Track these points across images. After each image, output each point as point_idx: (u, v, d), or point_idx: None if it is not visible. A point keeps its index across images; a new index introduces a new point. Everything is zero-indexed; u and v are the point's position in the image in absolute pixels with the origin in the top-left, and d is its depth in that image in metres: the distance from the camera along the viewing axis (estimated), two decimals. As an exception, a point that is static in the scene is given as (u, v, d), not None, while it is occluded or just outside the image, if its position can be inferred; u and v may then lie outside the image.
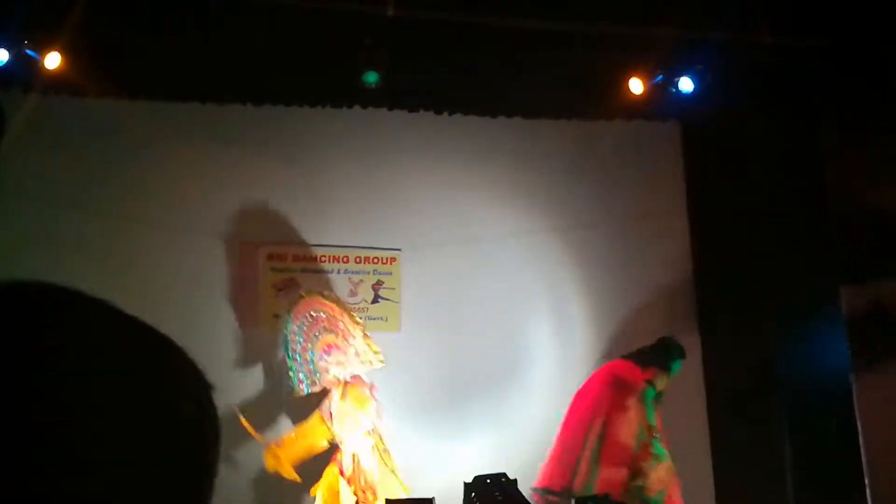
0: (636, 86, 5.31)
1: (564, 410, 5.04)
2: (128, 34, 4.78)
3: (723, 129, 5.58)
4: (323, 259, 5.54)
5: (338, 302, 5.14)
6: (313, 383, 4.97)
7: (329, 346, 4.98)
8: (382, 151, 5.61)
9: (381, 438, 4.92)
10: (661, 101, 5.47)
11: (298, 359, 4.99)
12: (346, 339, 5.01)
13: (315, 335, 5.01)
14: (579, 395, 5.05)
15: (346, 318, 5.05)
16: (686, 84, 5.30)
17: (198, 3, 4.57)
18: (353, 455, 4.82)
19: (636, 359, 5.01)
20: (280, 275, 5.48)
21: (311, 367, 4.97)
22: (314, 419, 4.94)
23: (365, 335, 5.03)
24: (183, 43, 4.89)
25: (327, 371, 4.94)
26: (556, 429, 5.01)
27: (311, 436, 4.92)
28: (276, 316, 5.27)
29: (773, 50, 4.88)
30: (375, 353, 5.01)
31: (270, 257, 5.50)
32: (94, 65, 4.90)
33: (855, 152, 4.86)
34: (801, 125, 5.19)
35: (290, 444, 4.90)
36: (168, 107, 5.38)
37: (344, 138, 5.59)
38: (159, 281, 5.21)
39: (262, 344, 5.34)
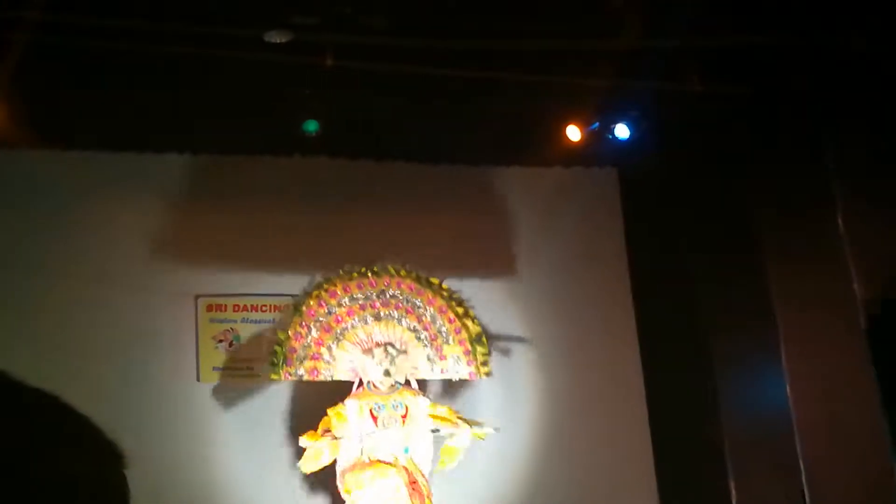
0: (574, 133, 5.41)
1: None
2: (62, 84, 4.72)
3: (659, 174, 5.71)
4: (264, 308, 5.45)
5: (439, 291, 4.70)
6: (313, 370, 4.59)
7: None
8: (323, 199, 5.60)
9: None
10: (599, 147, 5.59)
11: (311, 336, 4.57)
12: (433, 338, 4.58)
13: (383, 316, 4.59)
14: None
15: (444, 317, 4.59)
16: (622, 131, 5.42)
17: (134, 54, 4.53)
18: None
19: None
20: (220, 326, 5.38)
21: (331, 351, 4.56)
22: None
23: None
24: (119, 93, 4.84)
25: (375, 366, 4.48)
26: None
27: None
28: (215, 369, 5.17)
29: (702, 98, 5.03)
30: (484, 360, 4.60)
31: (209, 308, 5.40)
32: (28, 115, 4.81)
33: (781, 194, 5.02)
34: (732, 169, 5.34)
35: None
36: (103, 157, 5.30)
37: (285, 186, 5.56)
38: (94, 336, 5.06)
39: (203, 399, 5.21)
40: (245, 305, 5.43)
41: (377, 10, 4.46)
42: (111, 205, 5.31)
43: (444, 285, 4.80)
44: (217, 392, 5.24)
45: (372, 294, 4.68)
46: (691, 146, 5.46)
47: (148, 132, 5.22)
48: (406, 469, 4.40)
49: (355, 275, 4.72)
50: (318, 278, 4.94)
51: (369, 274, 4.71)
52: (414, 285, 4.71)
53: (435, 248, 5.67)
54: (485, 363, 4.69)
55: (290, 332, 4.65)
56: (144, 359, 5.16)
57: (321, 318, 4.66)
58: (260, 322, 5.40)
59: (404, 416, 4.46)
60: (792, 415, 4.80)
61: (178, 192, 5.45)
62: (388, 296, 4.68)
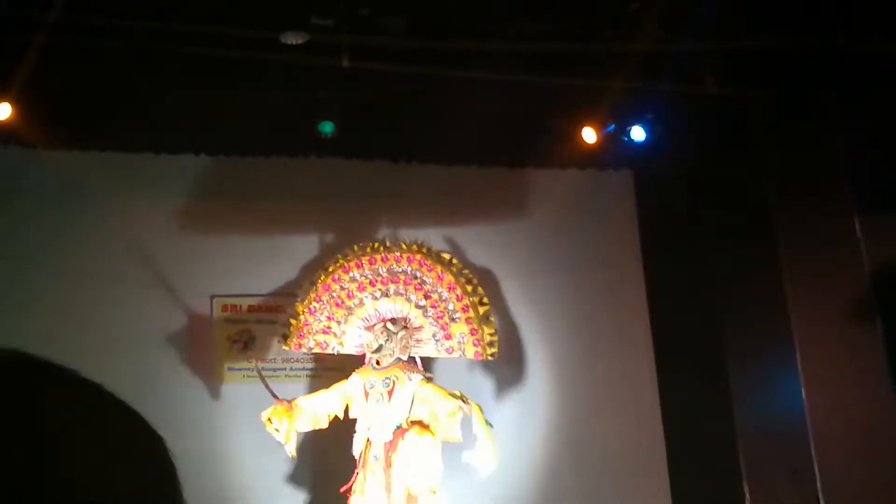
0: (589, 135, 5.41)
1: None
2: (79, 85, 4.75)
3: (675, 177, 5.69)
4: (279, 309, 5.46)
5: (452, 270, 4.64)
6: (322, 344, 4.64)
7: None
8: (339, 200, 5.61)
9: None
10: (614, 150, 5.58)
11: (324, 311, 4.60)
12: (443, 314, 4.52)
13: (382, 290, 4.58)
14: None
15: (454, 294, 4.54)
16: (638, 133, 5.41)
17: (150, 55, 4.56)
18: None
19: None
20: (235, 326, 5.40)
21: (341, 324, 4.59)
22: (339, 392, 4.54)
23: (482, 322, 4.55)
24: (134, 94, 4.87)
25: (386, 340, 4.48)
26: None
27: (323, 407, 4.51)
28: (230, 369, 5.19)
29: (718, 100, 5.02)
30: (491, 340, 4.52)
31: (225, 308, 5.42)
32: (45, 116, 4.84)
33: (797, 197, 5.00)
34: (748, 172, 5.32)
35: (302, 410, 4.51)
36: (120, 158, 5.33)
37: (300, 187, 5.58)
38: (111, 335, 5.09)
39: (218, 398, 5.23)
40: (260, 306, 5.45)
41: (394, 12, 4.47)
42: (128, 206, 5.33)
43: (455, 261, 4.80)
44: (232, 392, 5.26)
45: (382, 269, 4.68)
46: (707, 149, 5.44)
47: (164, 133, 5.25)
48: (389, 443, 4.37)
49: (368, 250, 4.75)
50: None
51: (382, 249, 4.72)
52: (424, 260, 4.68)
53: (450, 249, 5.67)
54: (491, 343, 4.62)
55: (305, 305, 4.72)
56: (160, 359, 5.19)
57: (334, 294, 4.70)
58: (275, 323, 5.41)
59: (391, 392, 4.44)
60: (807, 418, 4.77)
61: (194, 194, 5.47)
62: (397, 271, 4.67)
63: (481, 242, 5.72)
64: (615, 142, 5.48)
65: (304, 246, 5.53)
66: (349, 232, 5.59)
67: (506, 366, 5.60)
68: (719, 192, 5.48)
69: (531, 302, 5.73)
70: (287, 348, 4.80)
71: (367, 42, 4.53)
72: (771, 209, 5.14)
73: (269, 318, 5.44)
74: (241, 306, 5.44)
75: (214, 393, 5.26)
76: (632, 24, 4.53)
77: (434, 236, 5.67)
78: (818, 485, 4.70)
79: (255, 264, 5.47)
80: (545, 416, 5.57)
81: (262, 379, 4.52)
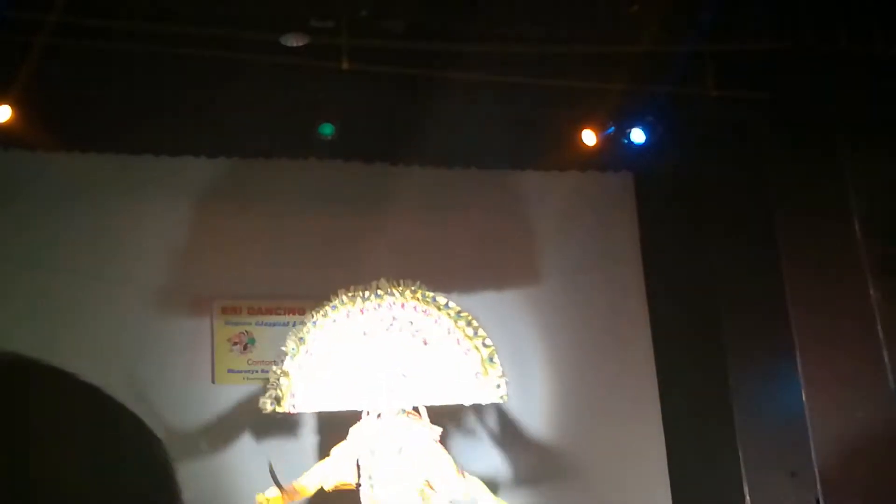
0: (589, 137, 5.41)
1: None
2: (80, 88, 4.75)
3: (675, 179, 5.70)
4: (278, 311, 5.47)
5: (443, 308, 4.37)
6: (317, 401, 4.30)
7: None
8: (338, 203, 5.61)
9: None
10: (614, 152, 5.58)
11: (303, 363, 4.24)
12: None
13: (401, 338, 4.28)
14: None
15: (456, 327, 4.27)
16: (638, 135, 5.41)
17: (151, 58, 4.56)
18: None
19: None
20: (235, 328, 5.41)
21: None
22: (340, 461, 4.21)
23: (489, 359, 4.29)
24: (135, 96, 4.87)
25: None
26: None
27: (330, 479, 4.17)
28: (230, 371, 5.19)
29: (718, 102, 5.02)
30: (498, 383, 4.24)
31: (224, 310, 5.42)
32: (46, 118, 4.84)
33: (797, 198, 5.00)
34: (749, 174, 5.32)
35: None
36: (120, 160, 5.33)
37: (300, 189, 5.58)
38: (110, 337, 5.09)
39: (217, 401, 5.23)
40: (260, 308, 5.45)
41: (393, 14, 4.47)
42: (129, 208, 5.34)
43: (452, 304, 4.50)
44: (231, 394, 5.26)
45: (375, 317, 4.38)
46: (707, 151, 5.45)
47: (164, 135, 5.25)
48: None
49: (358, 298, 4.43)
50: (334, 292, 4.58)
51: (372, 297, 4.41)
52: (419, 305, 4.40)
53: (450, 251, 5.68)
54: (499, 385, 4.37)
55: (293, 362, 4.35)
56: (160, 360, 5.19)
57: (325, 346, 4.37)
58: (274, 325, 5.41)
59: (402, 449, 4.19)
60: (807, 419, 4.77)
61: (194, 196, 5.48)
62: (392, 318, 4.38)
63: (480, 244, 5.72)
64: (615, 144, 5.48)
65: (304, 248, 5.53)
66: (347, 234, 5.59)
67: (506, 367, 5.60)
68: (719, 194, 5.48)
69: (531, 303, 5.73)
70: (281, 410, 4.37)
71: (366, 44, 4.53)
72: (771, 211, 5.14)
73: (269, 320, 5.44)
74: (240, 308, 5.45)
75: (214, 395, 5.25)
76: (631, 26, 4.54)
77: (434, 238, 5.68)
78: (818, 486, 4.70)
79: (255, 266, 5.47)
80: (545, 417, 5.57)
81: (273, 475, 4.21)
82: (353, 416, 4.41)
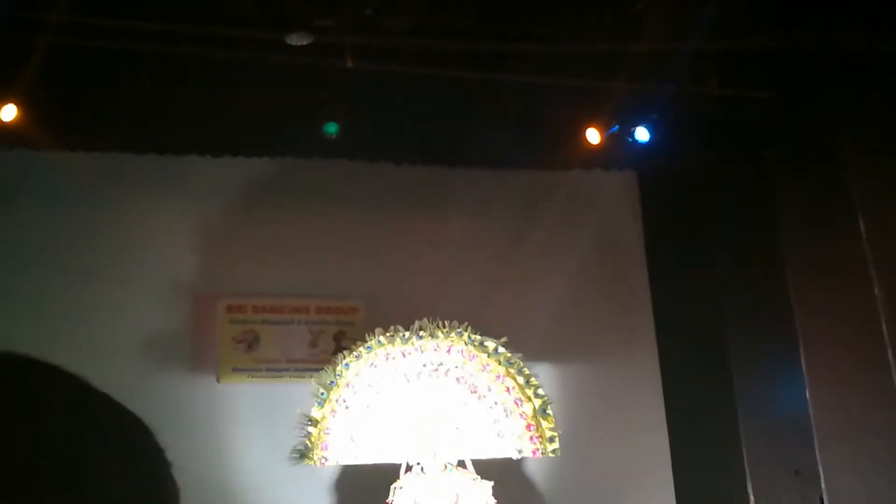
0: (593, 136, 5.41)
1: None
2: (85, 87, 4.76)
3: (679, 178, 5.69)
4: (283, 310, 5.49)
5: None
6: (353, 454, 3.95)
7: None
8: (341, 201, 5.62)
9: None
10: (618, 150, 5.58)
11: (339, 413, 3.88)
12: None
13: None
14: None
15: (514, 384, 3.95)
16: (642, 134, 5.40)
17: (157, 56, 4.57)
18: None
19: None
20: (240, 326, 5.42)
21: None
22: None
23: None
24: (139, 95, 4.88)
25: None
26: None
27: None
28: (235, 370, 5.20)
29: (722, 101, 5.02)
30: (552, 436, 3.94)
31: (229, 309, 5.43)
32: (50, 118, 4.86)
33: (802, 198, 5.00)
34: (753, 172, 5.32)
35: None
36: (125, 159, 5.35)
37: (304, 188, 5.59)
38: (116, 336, 5.11)
39: (222, 399, 5.24)
40: (264, 306, 5.47)
41: (398, 13, 4.48)
42: (133, 207, 5.35)
43: (501, 349, 4.14)
44: (236, 392, 5.27)
45: (418, 363, 4.05)
46: (711, 149, 5.44)
47: (169, 134, 5.26)
48: None
49: (398, 340, 4.06)
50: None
51: (414, 339, 4.06)
52: (466, 350, 4.06)
53: (453, 250, 5.69)
54: (552, 439, 4.08)
55: (325, 409, 3.99)
56: (165, 359, 5.21)
57: (360, 392, 4.02)
58: (279, 323, 5.43)
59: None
60: (811, 418, 4.77)
61: (199, 194, 5.49)
62: (436, 364, 4.06)
63: (483, 243, 5.72)
64: (619, 142, 5.47)
65: (309, 246, 5.55)
66: (351, 233, 5.61)
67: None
68: (723, 193, 5.48)
69: (534, 302, 5.73)
70: (311, 463, 4.00)
71: (371, 43, 4.53)
72: (774, 209, 5.14)
73: (275, 318, 5.46)
74: (245, 306, 5.46)
75: (219, 393, 5.26)
76: (635, 25, 4.53)
77: (436, 236, 5.68)
78: (822, 485, 4.69)
79: (260, 264, 5.49)
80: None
81: None
82: (387, 469, 4.06)
